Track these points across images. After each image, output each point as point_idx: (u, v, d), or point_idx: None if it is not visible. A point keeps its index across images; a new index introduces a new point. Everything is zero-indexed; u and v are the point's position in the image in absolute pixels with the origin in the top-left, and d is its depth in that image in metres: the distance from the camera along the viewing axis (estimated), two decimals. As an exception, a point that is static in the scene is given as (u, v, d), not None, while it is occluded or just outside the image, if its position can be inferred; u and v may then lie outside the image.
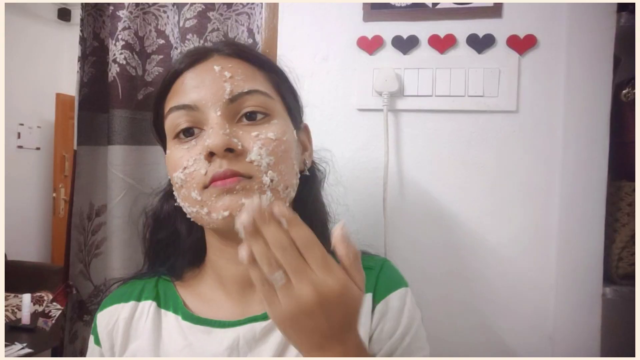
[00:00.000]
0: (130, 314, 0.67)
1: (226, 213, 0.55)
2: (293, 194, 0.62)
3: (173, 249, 0.71)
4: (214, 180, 0.56)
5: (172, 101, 0.61)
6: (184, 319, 0.64)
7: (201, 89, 0.58)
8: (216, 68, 0.59)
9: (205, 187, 0.57)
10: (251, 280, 0.62)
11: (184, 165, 0.58)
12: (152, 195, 0.75)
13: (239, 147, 0.56)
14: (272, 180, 0.57)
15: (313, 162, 0.72)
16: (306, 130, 0.70)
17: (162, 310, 0.66)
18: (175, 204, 0.65)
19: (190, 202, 0.59)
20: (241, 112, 0.59)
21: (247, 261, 0.47)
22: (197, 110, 0.58)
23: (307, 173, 0.67)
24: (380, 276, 0.66)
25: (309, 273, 0.46)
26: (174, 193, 0.63)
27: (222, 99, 0.58)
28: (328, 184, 0.76)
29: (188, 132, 0.59)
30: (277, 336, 0.60)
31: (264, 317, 0.62)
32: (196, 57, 0.62)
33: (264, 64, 0.64)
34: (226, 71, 0.59)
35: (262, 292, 0.48)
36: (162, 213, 0.71)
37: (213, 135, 0.55)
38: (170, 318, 0.65)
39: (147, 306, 0.67)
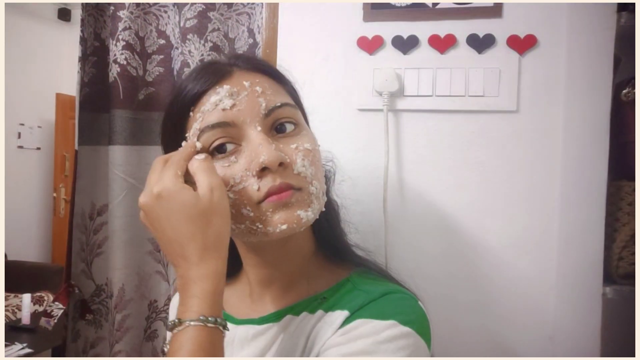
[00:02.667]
0: None
1: (284, 227, 0.57)
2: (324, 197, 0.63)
3: None
4: (269, 194, 0.56)
5: (203, 122, 0.59)
6: None
7: (237, 105, 0.58)
8: (246, 84, 0.59)
9: (259, 202, 0.57)
10: (269, 281, 0.66)
11: (230, 183, 0.57)
12: None
13: (287, 161, 0.57)
14: (316, 189, 0.59)
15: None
16: None
17: None
18: None
19: (238, 219, 0.59)
20: (274, 125, 0.60)
21: None
22: (234, 127, 0.58)
23: None
24: (372, 303, 0.59)
25: (149, 181, 0.57)
26: None
27: (259, 114, 0.58)
28: (336, 181, 0.76)
29: (221, 149, 0.59)
30: (262, 340, 0.63)
31: (259, 321, 0.64)
32: (219, 74, 0.60)
33: (281, 76, 0.65)
34: (256, 86, 0.59)
35: None
36: None
37: (266, 151, 0.55)
38: None
39: None
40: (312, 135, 0.63)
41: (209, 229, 0.53)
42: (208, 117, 0.58)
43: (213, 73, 0.61)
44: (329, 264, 0.68)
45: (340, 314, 0.59)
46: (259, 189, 0.56)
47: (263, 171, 0.56)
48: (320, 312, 0.62)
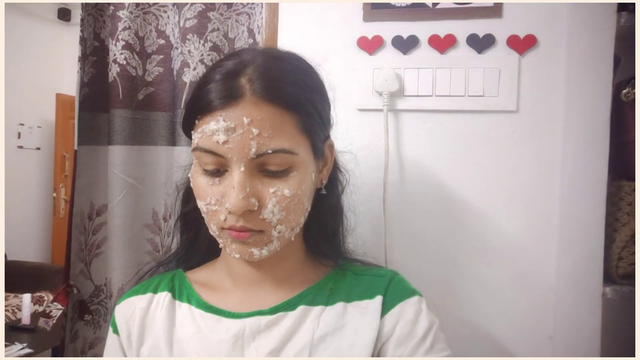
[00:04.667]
0: (146, 305, 0.72)
1: (237, 256, 0.64)
2: (300, 228, 0.67)
3: (198, 228, 0.76)
4: (230, 229, 0.62)
5: (200, 139, 0.62)
6: (197, 307, 0.70)
7: (229, 143, 0.60)
8: (245, 120, 0.59)
9: (223, 228, 0.63)
10: (258, 277, 0.69)
11: (207, 201, 0.63)
12: (183, 169, 0.81)
13: (255, 208, 0.61)
14: (279, 232, 0.63)
15: (336, 170, 0.75)
16: (330, 146, 0.72)
17: (177, 302, 0.72)
18: None
19: (209, 227, 0.66)
20: (261, 167, 0.62)
21: None
22: (223, 158, 0.61)
23: (324, 191, 0.70)
24: (393, 284, 0.69)
25: None
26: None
27: (247, 156, 0.60)
28: (348, 191, 0.77)
29: (214, 170, 0.63)
30: (279, 329, 0.65)
31: (270, 311, 0.67)
32: (231, 96, 0.60)
33: (293, 104, 0.62)
34: (254, 127, 0.59)
35: None
36: (188, 189, 0.75)
37: (233, 199, 0.59)
38: (183, 308, 0.70)
39: (163, 297, 0.72)
40: (302, 178, 0.62)
41: None
42: (204, 140, 0.61)
43: (228, 89, 0.60)
44: (314, 259, 0.73)
45: (374, 302, 0.67)
46: (225, 220, 0.61)
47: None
48: (341, 303, 0.67)
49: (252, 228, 0.61)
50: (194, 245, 0.78)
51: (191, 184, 0.66)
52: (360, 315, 0.66)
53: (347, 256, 0.76)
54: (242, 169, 0.60)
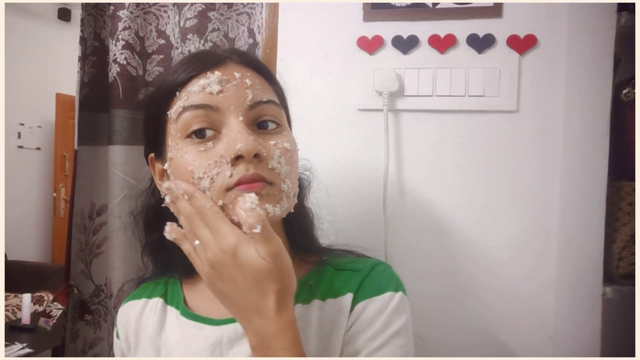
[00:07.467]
0: (140, 310, 0.73)
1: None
2: (295, 198, 0.63)
3: (170, 252, 0.73)
4: (240, 183, 0.56)
5: (187, 100, 0.60)
6: (182, 315, 0.69)
7: (224, 92, 0.59)
8: (237, 74, 0.60)
9: (229, 189, 0.56)
10: None
11: (204, 169, 0.57)
12: (137, 199, 0.77)
13: (264, 154, 0.58)
14: (287, 188, 0.59)
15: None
16: None
17: (168, 306, 0.72)
18: (164, 205, 0.66)
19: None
20: (256, 121, 0.61)
21: (170, 237, 0.59)
22: (217, 112, 0.58)
23: None
24: (367, 279, 0.65)
25: (209, 239, 0.54)
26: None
27: (244, 105, 0.59)
28: (311, 190, 0.77)
29: (200, 134, 0.59)
30: None
31: None
32: (213, 62, 0.62)
33: (271, 77, 0.67)
34: (247, 79, 0.61)
35: (191, 260, 0.57)
36: (150, 218, 0.73)
37: (243, 140, 0.56)
38: (172, 313, 0.71)
39: (155, 303, 0.73)
40: (293, 138, 0.64)
41: (281, 283, 0.54)
42: (193, 97, 0.59)
43: (206, 60, 0.62)
44: (297, 257, 0.70)
45: (345, 299, 0.64)
46: (231, 176, 0.56)
47: (237, 159, 0.56)
48: (316, 301, 0.65)
49: (264, 176, 0.57)
50: (170, 265, 0.75)
51: (171, 174, 0.62)
52: (333, 315, 0.64)
53: (331, 248, 0.75)
54: (241, 118, 0.58)
